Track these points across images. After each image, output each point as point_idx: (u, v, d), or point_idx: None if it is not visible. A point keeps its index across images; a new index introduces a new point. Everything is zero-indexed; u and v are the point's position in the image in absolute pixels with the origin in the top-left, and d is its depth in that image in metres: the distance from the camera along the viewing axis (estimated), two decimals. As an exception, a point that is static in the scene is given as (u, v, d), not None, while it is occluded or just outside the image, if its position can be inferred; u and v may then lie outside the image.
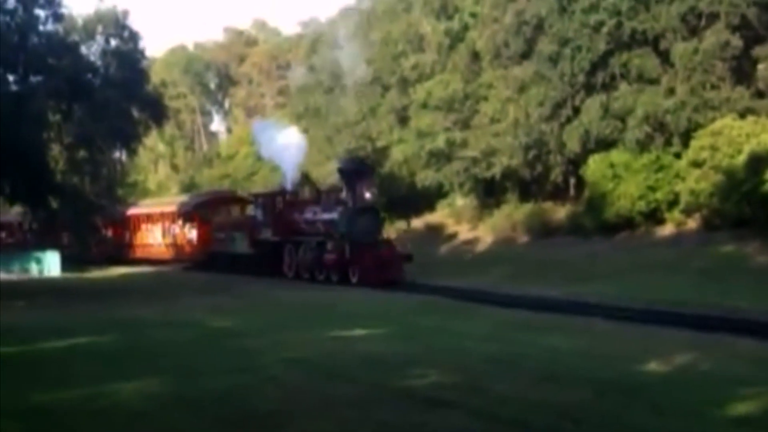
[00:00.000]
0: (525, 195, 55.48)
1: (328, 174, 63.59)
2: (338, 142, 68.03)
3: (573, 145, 47.67)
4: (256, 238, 47.29)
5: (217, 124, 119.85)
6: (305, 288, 38.29)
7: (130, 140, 51.83)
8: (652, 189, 44.52)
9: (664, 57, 46.13)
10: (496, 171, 53.46)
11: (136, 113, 51.72)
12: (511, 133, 51.71)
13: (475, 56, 58.45)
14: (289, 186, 47.91)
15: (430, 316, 25.66)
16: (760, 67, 44.59)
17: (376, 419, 12.61)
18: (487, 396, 13.83)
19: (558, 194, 53.68)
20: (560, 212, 51.12)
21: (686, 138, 44.24)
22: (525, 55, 52.04)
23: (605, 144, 47.01)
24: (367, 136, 65.62)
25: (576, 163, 50.19)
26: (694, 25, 45.45)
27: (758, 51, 44.71)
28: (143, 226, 65.07)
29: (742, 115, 42.72)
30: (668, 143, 45.53)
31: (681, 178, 43.86)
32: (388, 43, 64.49)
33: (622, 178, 45.41)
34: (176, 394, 14.86)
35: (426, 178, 58.92)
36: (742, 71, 45.40)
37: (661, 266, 35.10)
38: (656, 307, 26.27)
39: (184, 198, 67.05)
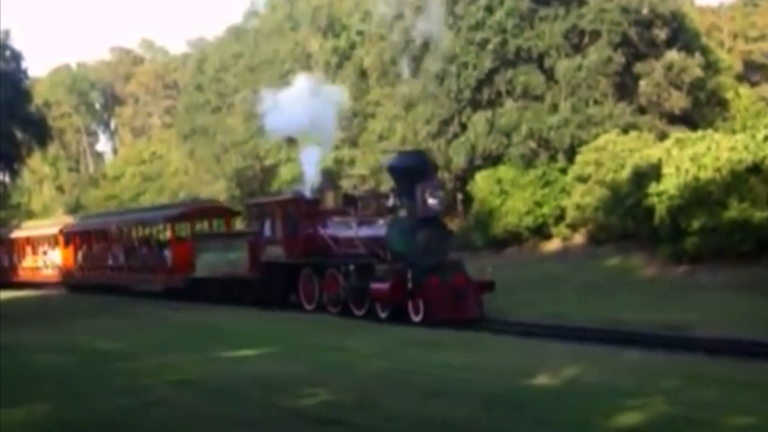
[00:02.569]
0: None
1: (215, 194, 63.12)
2: (226, 161, 67.63)
3: (460, 161, 48.09)
4: (258, 259, 35.81)
5: (103, 145, 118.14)
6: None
7: (12, 161, 50.80)
8: (539, 204, 45.14)
9: (549, 74, 46.82)
10: (385, 189, 53.61)
11: (18, 134, 50.79)
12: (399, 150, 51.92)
13: (363, 74, 58.65)
14: (307, 192, 35.24)
15: (322, 335, 25.60)
16: (642, 83, 45.51)
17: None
18: (377, 413, 13.79)
19: (446, 210, 53.96)
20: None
21: (571, 153, 44.93)
22: (413, 73, 52.34)
23: (492, 160, 47.48)
24: (255, 155, 65.34)
25: (463, 180, 50.62)
26: (577, 42, 46.27)
27: (639, 68, 45.66)
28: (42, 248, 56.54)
29: (625, 131, 43.56)
30: (553, 159, 46.21)
31: (567, 193, 44.51)
32: (275, 62, 64.36)
33: (509, 194, 45.91)
34: (60, 419, 14.56)
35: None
36: (625, 87, 46.33)
37: (549, 280, 35.48)
38: (544, 321, 26.55)
39: (136, 212, 55.74)
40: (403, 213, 29.84)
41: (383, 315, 28.96)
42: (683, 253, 33.94)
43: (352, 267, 30.37)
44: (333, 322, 29.32)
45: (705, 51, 50.58)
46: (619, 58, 45.05)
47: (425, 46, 50.62)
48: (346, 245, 31.85)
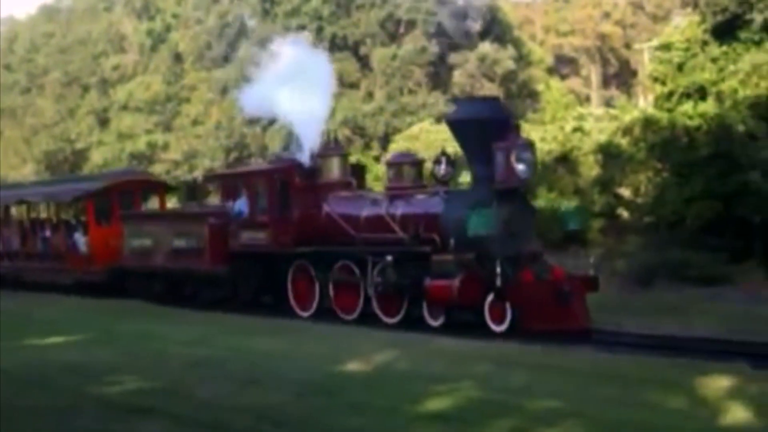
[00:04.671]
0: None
1: (24, 178, 61.41)
2: (35, 143, 65.90)
3: (275, 148, 48.02)
4: (225, 247, 27.26)
5: None
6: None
7: None
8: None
9: (364, 62, 47.18)
10: (198, 173, 53.20)
11: None
12: (213, 135, 51.60)
13: (178, 58, 57.97)
14: (306, 158, 26.27)
15: (132, 321, 25.20)
16: (456, 73, 46.29)
17: (76, 428, 12.32)
18: (189, 401, 13.70)
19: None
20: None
21: (385, 141, 45.35)
22: (227, 59, 52.01)
23: (308, 147, 47.57)
24: (66, 138, 63.86)
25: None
26: (393, 31, 46.74)
27: (453, 58, 46.45)
28: None
29: (439, 120, 44.17)
30: (368, 147, 46.56)
31: (380, 181, 44.87)
32: (88, 43, 63.03)
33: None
34: None
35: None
36: (439, 77, 47.04)
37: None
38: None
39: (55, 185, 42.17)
40: (468, 183, 23.71)
41: (435, 323, 21.81)
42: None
43: (389, 258, 22.52)
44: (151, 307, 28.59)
45: (517, 44, 51.85)
46: (434, 49, 45.69)
47: (241, 31, 50.36)
48: (371, 228, 23.61)
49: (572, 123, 38.24)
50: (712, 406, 12.50)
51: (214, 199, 46.36)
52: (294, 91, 25.99)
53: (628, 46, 73.57)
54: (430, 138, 42.40)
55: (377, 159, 45.78)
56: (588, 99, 69.93)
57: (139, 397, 14.18)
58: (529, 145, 21.65)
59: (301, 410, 12.85)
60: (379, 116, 45.50)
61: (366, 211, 24.00)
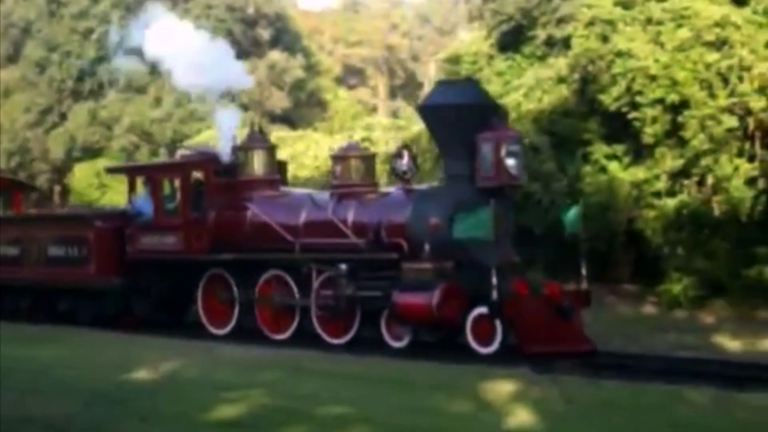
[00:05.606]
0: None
1: None
2: None
3: (58, 152, 46.96)
4: (119, 255, 23.60)
5: None
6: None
7: None
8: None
9: (153, 67, 46.58)
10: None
11: None
12: (-6, 138, 50.11)
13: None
14: (225, 150, 22.76)
15: None
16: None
17: None
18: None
19: (42, 202, 52.56)
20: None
21: (173, 148, 44.87)
22: (12, 59, 50.59)
23: (92, 152, 46.69)
24: None
25: (62, 171, 49.44)
26: (181, 37, 46.33)
27: (245, 65, 46.32)
28: None
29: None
30: (154, 153, 46.02)
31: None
32: None
33: (108, 187, 45.14)
34: None
35: None
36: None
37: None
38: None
39: None
40: (442, 181, 20.08)
41: (398, 343, 18.92)
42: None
43: (343, 267, 19.35)
44: None
45: (307, 53, 52.10)
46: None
47: (26, 31, 49.07)
48: (314, 232, 20.28)
49: (361, 132, 38.62)
50: (496, 410, 12.84)
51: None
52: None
53: (415, 58, 74.95)
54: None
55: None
56: (375, 109, 70.84)
57: None
58: (519, 138, 19.27)
59: (88, 419, 12.59)
60: (167, 122, 45.05)
61: (306, 213, 20.60)
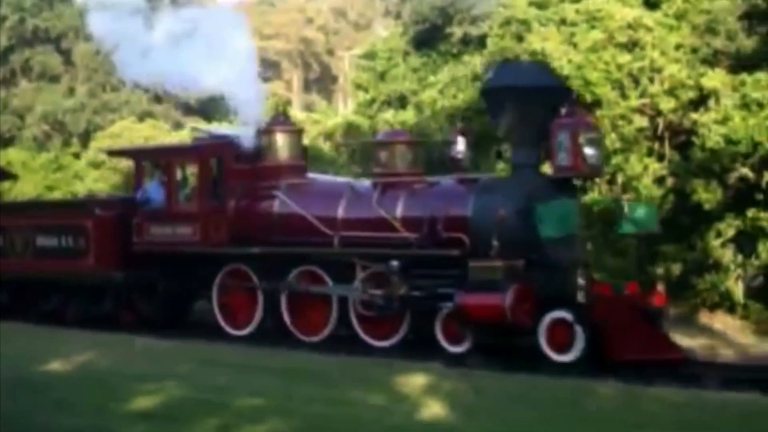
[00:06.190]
0: None
1: None
2: None
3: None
4: (122, 247, 21.46)
5: None
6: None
7: None
8: (50, 189, 44.25)
9: (66, 56, 46.15)
10: None
11: None
12: None
13: None
14: (249, 136, 20.56)
15: None
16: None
17: None
18: None
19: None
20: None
21: (86, 138, 44.50)
22: None
23: (2, 141, 46.10)
24: None
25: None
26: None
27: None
28: None
29: (141, 118, 43.74)
30: (67, 143, 45.56)
31: (80, 179, 43.99)
32: None
33: (19, 177, 44.62)
34: None
35: None
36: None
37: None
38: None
39: None
40: (511, 170, 18.39)
41: (456, 348, 17.10)
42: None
43: (395, 263, 17.58)
44: None
45: (222, 45, 51.83)
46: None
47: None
48: (356, 225, 18.49)
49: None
50: (410, 402, 13.04)
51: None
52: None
53: (330, 52, 74.99)
54: (132, 136, 41.94)
55: (77, 156, 44.84)
56: (290, 102, 70.80)
57: None
58: (597, 125, 17.82)
59: (7, 409, 12.52)
60: (80, 112, 44.64)
61: (346, 204, 18.80)
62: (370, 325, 18.34)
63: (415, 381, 14.36)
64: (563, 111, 16.91)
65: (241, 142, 20.41)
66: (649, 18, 26.06)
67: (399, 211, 17.98)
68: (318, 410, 12.45)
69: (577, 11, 27.05)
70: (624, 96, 25.20)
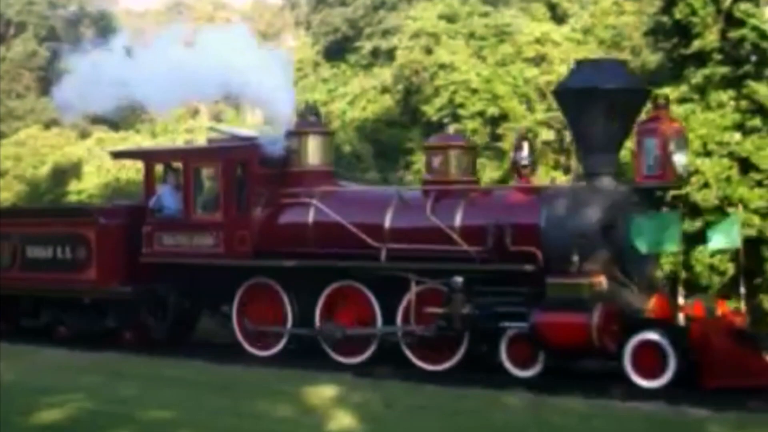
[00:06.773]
0: None
1: None
2: None
3: None
4: (129, 258, 19.16)
5: None
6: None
7: None
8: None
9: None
10: None
11: None
12: None
13: None
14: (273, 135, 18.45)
15: None
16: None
17: None
18: None
19: None
20: None
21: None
22: None
23: None
24: None
25: None
26: (2, 32, 45.33)
27: (63, 63, 45.54)
28: None
29: (47, 126, 43.21)
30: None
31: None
32: None
33: None
34: None
35: None
36: (48, 82, 45.97)
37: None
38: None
39: None
40: (576, 178, 16.97)
41: (524, 372, 15.30)
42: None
43: (458, 280, 15.49)
44: None
45: (129, 53, 51.39)
46: (44, 52, 44.68)
47: None
48: (407, 236, 16.48)
49: (183, 135, 38.44)
50: (318, 413, 13.04)
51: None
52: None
53: (239, 62, 74.55)
54: (37, 144, 41.43)
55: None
56: (197, 112, 70.36)
57: None
58: (685, 132, 16.01)
59: None
60: (-16, 120, 43.98)
61: (394, 213, 16.71)
62: (420, 348, 16.44)
63: (323, 392, 14.34)
64: (650, 114, 15.68)
65: (265, 144, 18.18)
66: (556, 33, 26.47)
67: (457, 220, 16.06)
68: (225, 423, 12.42)
69: (486, 25, 27.40)
70: (531, 109, 25.54)
